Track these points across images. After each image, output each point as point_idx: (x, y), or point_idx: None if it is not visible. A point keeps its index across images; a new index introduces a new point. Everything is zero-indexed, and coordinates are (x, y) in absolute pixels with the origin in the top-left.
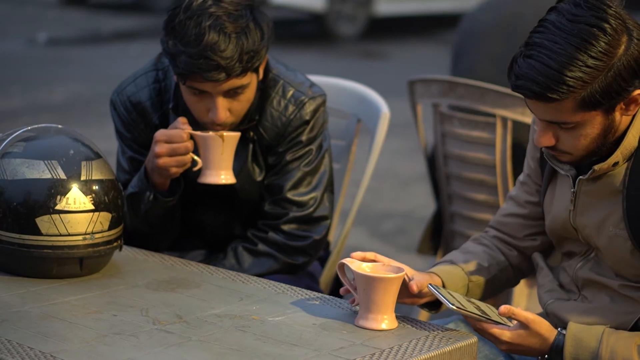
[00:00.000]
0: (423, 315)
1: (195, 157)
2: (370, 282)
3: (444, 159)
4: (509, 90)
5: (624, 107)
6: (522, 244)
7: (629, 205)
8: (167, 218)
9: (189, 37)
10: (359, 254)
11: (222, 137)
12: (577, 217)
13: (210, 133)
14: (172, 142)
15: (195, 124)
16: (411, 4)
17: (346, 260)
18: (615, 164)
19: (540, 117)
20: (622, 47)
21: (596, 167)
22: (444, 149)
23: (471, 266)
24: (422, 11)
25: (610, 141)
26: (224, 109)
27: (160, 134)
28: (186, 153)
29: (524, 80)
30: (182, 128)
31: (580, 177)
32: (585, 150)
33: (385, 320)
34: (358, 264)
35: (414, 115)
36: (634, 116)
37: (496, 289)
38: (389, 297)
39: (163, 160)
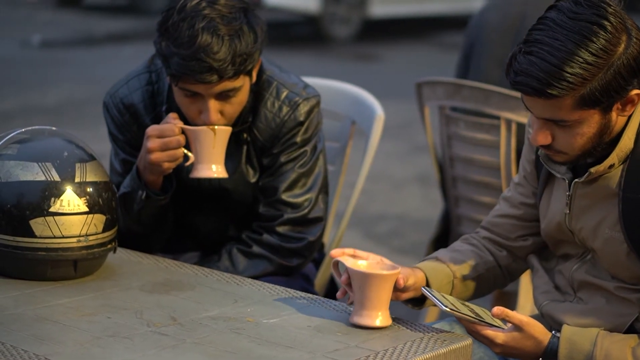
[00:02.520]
0: (430, 316)
1: (187, 152)
2: (365, 279)
3: (450, 161)
4: (513, 93)
5: (620, 107)
6: (514, 244)
7: (625, 208)
8: (159, 217)
9: (182, 39)
10: (337, 251)
11: (213, 130)
12: (573, 220)
13: (202, 127)
14: (164, 136)
15: (188, 125)
16: (405, 6)
17: (340, 258)
18: (611, 166)
19: (537, 115)
20: (622, 45)
21: (592, 169)
22: (450, 152)
23: (457, 264)
24: (417, 13)
25: (605, 141)
26: (216, 112)
27: (152, 129)
28: (178, 147)
29: (524, 77)
30: (173, 122)
31: (576, 180)
32: (580, 150)
33: (379, 317)
34: (353, 261)
35: (422, 117)
36: (629, 118)
37: (483, 288)
38: (384, 294)
39: (155, 156)
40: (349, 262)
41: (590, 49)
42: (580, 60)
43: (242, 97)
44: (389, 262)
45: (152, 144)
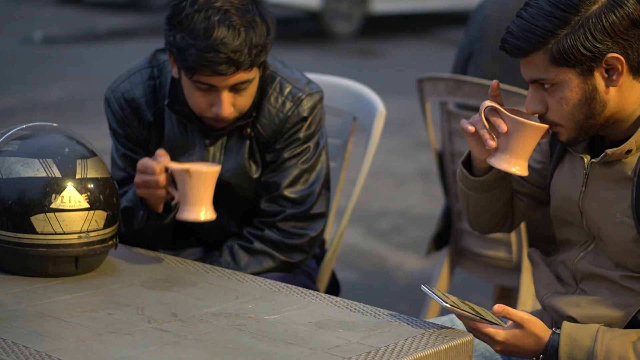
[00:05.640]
0: (431, 312)
1: (173, 191)
2: (522, 128)
3: (451, 157)
4: (514, 89)
5: (605, 75)
6: (512, 198)
7: (639, 194)
8: (162, 232)
9: (197, 31)
10: (496, 83)
11: (201, 172)
12: (586, 200)
13: (188, 168)
14: (146, 173)
15: (191, 120)
16: (407, 2)
17: (490, 103)
18: (629, 151)
19: (525, 78)
20: (597, 6)
21: (609, 151)
22: (451, 147)
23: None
24: (418, 9)
25: (598, 114)
26: (229, 104)
27: (139, 163)
28: (157, 187)
29: (506, 36)
30: (158, 160)
31: (593, 160)
32: (572, 119)
33: (518, 164)
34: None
35: (423, 113)
36: None
37: (504, 207)
38: (532, 144)
39: (139, 191)
40: (503, 108)
41: (559, 4)
42: (549, 14)
43: (252, 90)
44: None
45: (137, 179)
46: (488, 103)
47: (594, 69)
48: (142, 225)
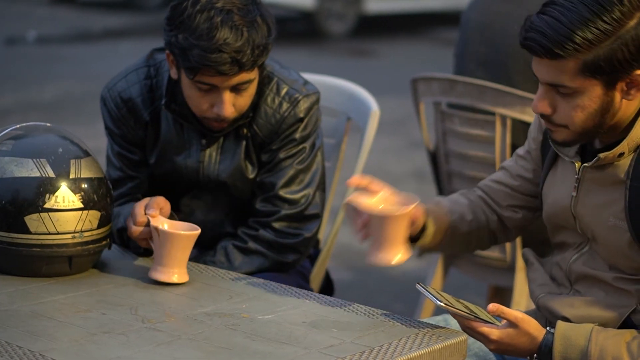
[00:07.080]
0: (426, 312)
1: (152, 245)
2: (382, 220)
3: (445, 157)
4: (508, 89)
5: (625, 88)
6: (504, 213)
7: (632, 197)
8: None
9: (200, 31)
10: (356, 180)
11: (171, 234)
12: (579, 204)
13: (159, 227)
14: (131, 217)
15: (188, 120)
16: (401, 2)
17: (354, 200)
18: (621, 154)
19: (541, 79)
20: (635, 20)
21: (601, 155)
22: (445, 147)
23: (455, 214)
24: (412, 9)
25: (607, 125)
26: (230, 104)
27: (134, 205)
28: (132, 235)
29: (534, 33)
30: (147, 211)
31: (585, 164)
32: (581, 126)
33: (398, 254)
34: (368, 202)
35: (417, 113)
36: None
37: (470, 244)
38: (401, 232)
39: (128, 232)
40: (364, 203)
41: (603, 16)
42: (591, 24)
43: (252, 90)
44: (403, 196)
45: (126, 220)
46: (349, 200)
47: (617, 82)
48: (139, 252)
